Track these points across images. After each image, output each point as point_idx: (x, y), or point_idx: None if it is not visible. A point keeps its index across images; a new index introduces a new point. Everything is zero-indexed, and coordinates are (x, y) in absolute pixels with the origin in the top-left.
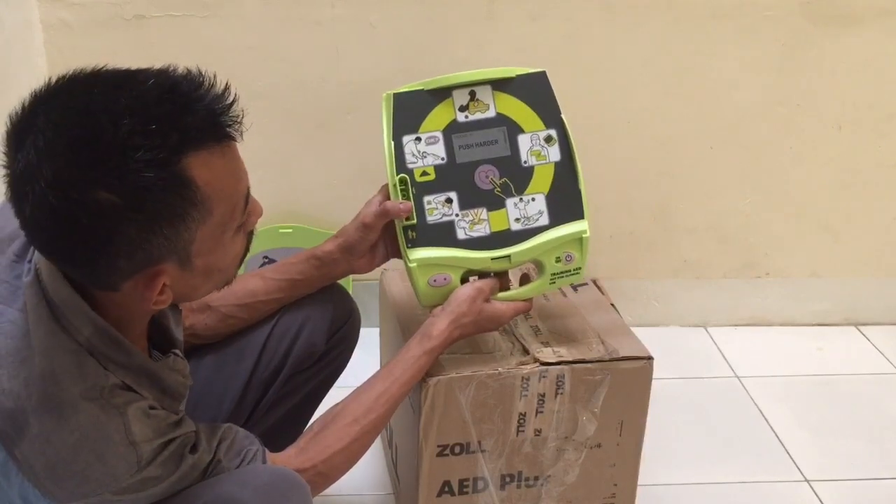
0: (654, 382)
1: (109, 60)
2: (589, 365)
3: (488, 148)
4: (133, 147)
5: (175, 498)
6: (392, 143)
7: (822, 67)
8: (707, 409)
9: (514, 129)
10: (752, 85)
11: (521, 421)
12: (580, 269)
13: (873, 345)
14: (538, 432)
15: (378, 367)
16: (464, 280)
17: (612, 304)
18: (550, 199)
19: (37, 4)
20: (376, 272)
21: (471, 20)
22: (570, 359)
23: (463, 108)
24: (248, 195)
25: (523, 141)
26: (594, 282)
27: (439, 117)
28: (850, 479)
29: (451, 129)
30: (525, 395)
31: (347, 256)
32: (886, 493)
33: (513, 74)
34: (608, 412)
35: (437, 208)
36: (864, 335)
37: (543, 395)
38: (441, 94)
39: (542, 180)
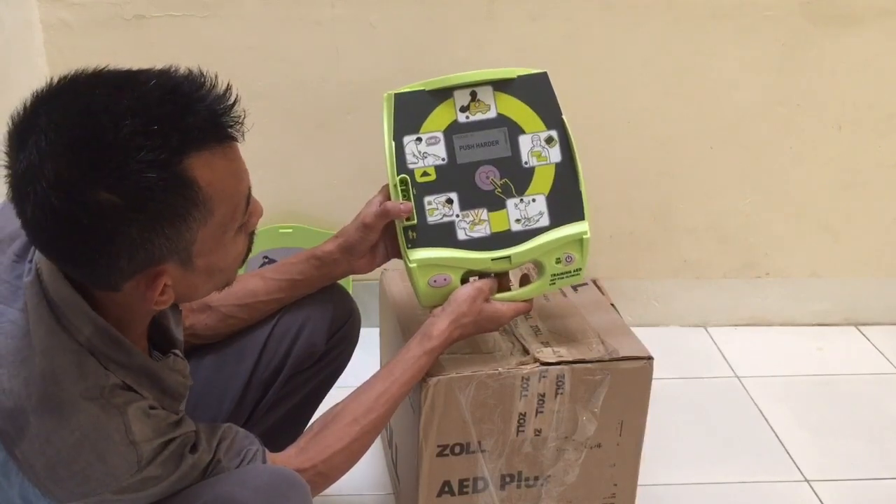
0: (654, 382)
1: (109, 60)
2: (589, 365)
3: (489, 148)
4: (135, 147)
5: (175, 498)
6: (393, 143)
7: (822, 67)
8: (707, 409)
9: (514, 130)
10: (752, 85)
11: (521, 421)
12: (580, 270)
13: (873, 345)
14: (538, 432)
15: (378, 367)
16: (464, 280)
17: (612, 304)
18: (551, 200)
19: (37, 4)
20: (376, 272)
21: (471, 20)
22: (570, 359)
23: (464, 109)
24: (249, 195)
25: (524, 142)
26: (594, 282)
27: (440, 118)
28: (850, 479)
29: (452, 130)
30: (525, 395)
31: (347, 256)
32: (886, 493)
33: (514, 75)
34: (608, 412)
35: (437, 209)
36: (864, 335)
37: (543, 395)
38: (442, 94)
39: (543, 181)
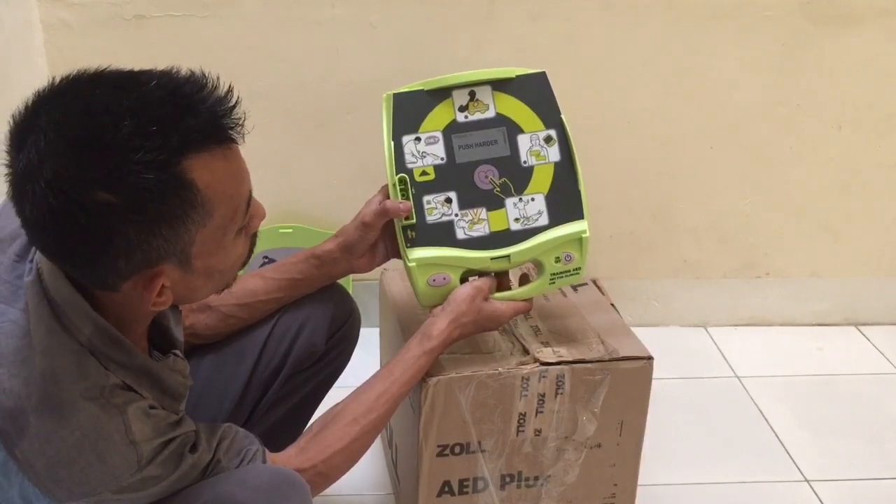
0: (654, 382)
1: (109, 60)
2: (589, 365)
3: (488, 148)
4: (133, 148)
5: (175, 497)
6: (392, 143)
7: (822, 67)
8: (707, 409)
9: (513, 130)
10: (752, 85)
11: (521, 421)
12: (580, 269)
13: (873, 345)
14: (538, 432)
15: (378, 367)
16: (463, 280)
17: (612, 304)
18: (550, 199)
19: (37, 4)
20: (376, 272)
21: (471, 20)
22: (570, 359)
23: (463, 109)
24: (250, 198)
25: (523, 141)
26: (594, 282)
27: (439, 117)
28: (850, 479)
29: (451, 130)
30: (525, 395)
31: (347, 256)
32: (886, 493)
33: (513, 75)
34: (608, 412)
35: (436, 208)
36: (864, 335)
37: (543, 395)
38: (441, 94)
39: (542, 180)
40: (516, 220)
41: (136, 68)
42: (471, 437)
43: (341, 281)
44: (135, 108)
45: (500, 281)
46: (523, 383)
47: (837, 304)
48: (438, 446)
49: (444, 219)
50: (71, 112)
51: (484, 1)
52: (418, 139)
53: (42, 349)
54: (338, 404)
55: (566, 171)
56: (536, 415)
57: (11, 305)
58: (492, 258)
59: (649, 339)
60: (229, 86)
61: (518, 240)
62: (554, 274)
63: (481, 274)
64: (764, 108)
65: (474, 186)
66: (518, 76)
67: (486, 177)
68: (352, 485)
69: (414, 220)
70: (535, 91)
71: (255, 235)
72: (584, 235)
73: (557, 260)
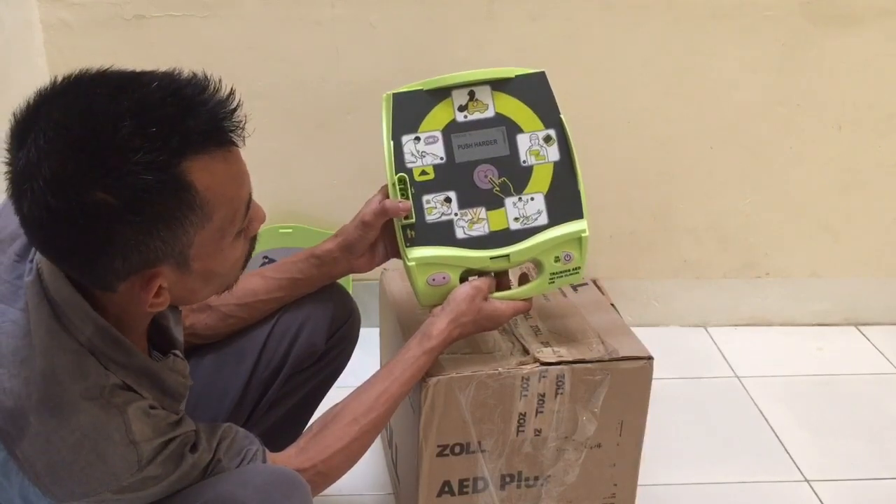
0: (654, 382)
1: (109, 60)
2: (589, 365)
3: (487, 147)
4: (132, 149)
5: (175, 497)
6: (391, 142)
7: (822, 67)
8: (707, 409)
9: (513, 129)
10: (752, 85)
11: (521, 421)
12: (579, 268)
13: (873, 345)
14: (538, 432)
15: (378, 367)
16: (463, 279)
17: (612, 304)
18: (549, 199)
19: (37, 4)
20: (376, 272)
21: (471, 20)
22: (570, 359)
23: (462, 108)
24: (249, 200)
25: (522, 141)
26: (594, 282)
27: (438, 117)
28: (850, 479)
29: (451, 129)
30: (525, 395)
31: (347, 255)
32: (886, 493)
33: (512, 74)
34: (608, 412)
35: (436, 207)
36: (864, 335)
37: (543, 395)
38: (440, 94)
39: (541, 180)
40: (516, 219)
41: (137, 69)
42: (471, 437)
43: (341, 281)
44: (135, 108)
45: (500, 280)
46: (523, 383)
47: (837, 304)
48: (438, 446)
49: (444, 218)
50: (71, 111)
51: (484, 1)
52: (418, 139)
53: (42, 349)
54: (338, 404)
55: (566, 170)
56: (536, 415)
57: (11, 305)
58: (491, 258)
59: (649, 339)
60: (231, 88)
61: (517, 239)
62: (553, 273)
63: (481, 273)
64: (764, 108)
65: (474, 186)
66: (517, 76)
67: (486, 176)
68: (352, 485)
69: (413, 220)
70: (534, 91)
71: (254, 238)
72: (583, 235)
73: (557, 259)
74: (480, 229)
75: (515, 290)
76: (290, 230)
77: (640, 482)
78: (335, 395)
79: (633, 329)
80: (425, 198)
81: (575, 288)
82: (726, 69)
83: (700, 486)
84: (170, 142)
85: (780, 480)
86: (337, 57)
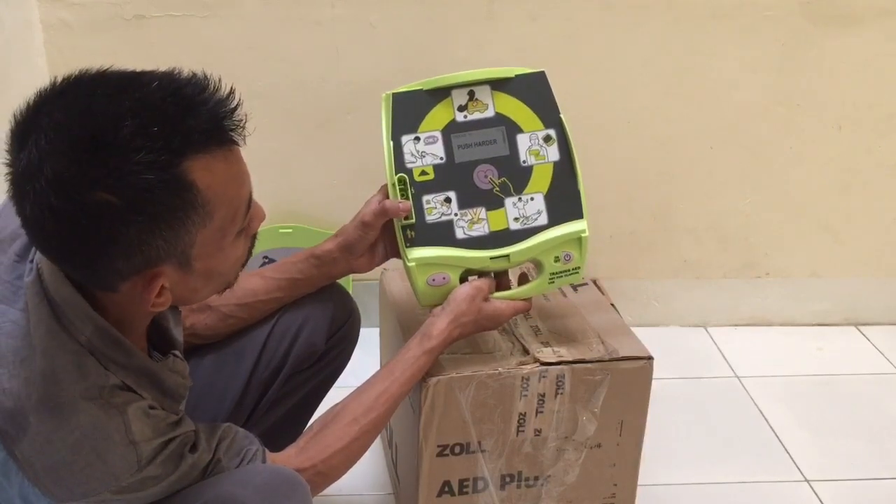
0: (654, 382)
1: (109, 60)
2: (589, 365)
3: (487, 147)
4: (134, 149)
5: (175, 497)
6: (391, 142)
7: (822, 67)
8: (707, 409)
9: (512, 129)
10: (752, 85)
11: (521, 421)
12: (579, 268)
13: (873, 345)
14: (538, 432)
15: (378, 367)
16: (462, 279)
17: (612, 304)
18: (549, 199)
19: (37, 4)
20: (376, 272)
21: (471, 20)
22: (570, 359)
23: (462, 108)
24: (250, 199)
25: (522, 140)
26: (594, 282)
27: (438, 117)
28: (850, 479)
29: (450, 129)
30: (525, 395)
31: (347, 255)
32: (886, 493)
33: (512, 74)
34: (608, 412)
35: (435, 208)
36: (864, 335)
37: (543, 395)
38: (440, 93)
39: (541, 180)
40: (515, 219)
41: (137, 69)
42: (471, 437)
43: (341, 281)
44: (136, 108)
45: (500, 280)
46: (523, 383)
47: (837, 304)
48: (438, 446)
49: (444, 218)
50: (72, 112)
51: (484, 1)
52: (417, 139)
53: (42, 349)
54: (338, 404)
55: (565, 170)
56: (536, 415)
57: (11, 306)
58: (491, 258)
59: (649, 339)
60: (231, 88)
61: (517, 239)
62: (553, 273)
63: (481, 274)
64: (764, 108)
65: (474, 186)
66: (517, 76)
67: (486, 176)
68: (352, 485)
69: (413, 220)
70: (534, 90)
71: (254, 237)
72: (583, 235)
73: (557, 259)
74: (480, 229)
75: (515, 290)
76: (290, 230)
77: (640, 482)
78: (335, 395)
79: (633, 329)
80: (425, 198)
81: (575, 288)
82: (726, 69)
83: (700, 486)
84: (171, 141)
85: (780, 480)
86: (337, 57)
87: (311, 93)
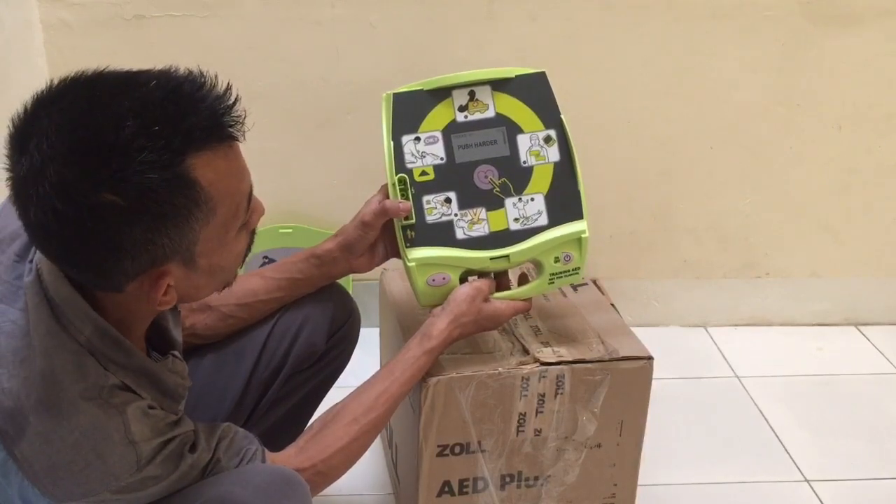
0: (654, 382)
1: (109, 60)
2: (589, 365)
3: (487, 148)
4: (136, 149)
5: (175, 497)
6: (391, 142)
7: (822, 67)
8: (707, 409)
9: (513, 130)
10: (752, 85)
11: (521, 421)
12: (579, 269)
13: (873, 345)
14: (538, 432)
15: (378, 367)
16: (462, 280)
17: (612, 304)
18: (549, 199)
19: (37, 4)
20: (376, 272)
21: (471, 20)
22: (570, 359)
23: (462, 108)
24: (250, 194)
25: (522, 141)
26: (594, 282)
27: (438, 117)
28: (850, 479)
29: (451, 129)
30: (525, 395)
31: (347, 255)
32: (886, 493)
33: (512, 74)
34: (608, 412)
35: (436, 208)
36: (864, 335)
37: (543, 395)
38: (440, 94)
39: (542, 180)
40: (516, 220)
41: (135, 68)
42: (471, 437)
43: (341, 281)
44: (136, 108)
45: (500, 281)
46: (523, 383)
47: (837, 304)
48: (438, 446)
49: (444, 219)
50: (72, 114)
51: (484, 1)
52: (418, 139)
53: (42, 349)
54: (337, 404)
55: (566, 171)
56: (536, 415)
57: (11, 306)
58: (491, 258)
59: (649, 339)
60: (228, 84)
61: (517, 240)
62: (553, 274)
63: (481, 274)
64: (764, 108)
65: (474, 186)
66: (518, 76)
67: (486, 177)
68: (352, 485)
69: (413, 220)
70: (534, 91)
71: (254, 232)
72: (583, 235)
73: (557, 260)
74: (480, 230)
75: (515, 291)
76: (290, 230)
77: (640, 482)
78: (335, 395)
79: (633, 329)
80: (425, 198)
81: (575, 288)
82: (726, 69)
83: (700, 486)
84: (173, 140)
85: (780, 480)
86: (337, 57)
87: (311, 93)
